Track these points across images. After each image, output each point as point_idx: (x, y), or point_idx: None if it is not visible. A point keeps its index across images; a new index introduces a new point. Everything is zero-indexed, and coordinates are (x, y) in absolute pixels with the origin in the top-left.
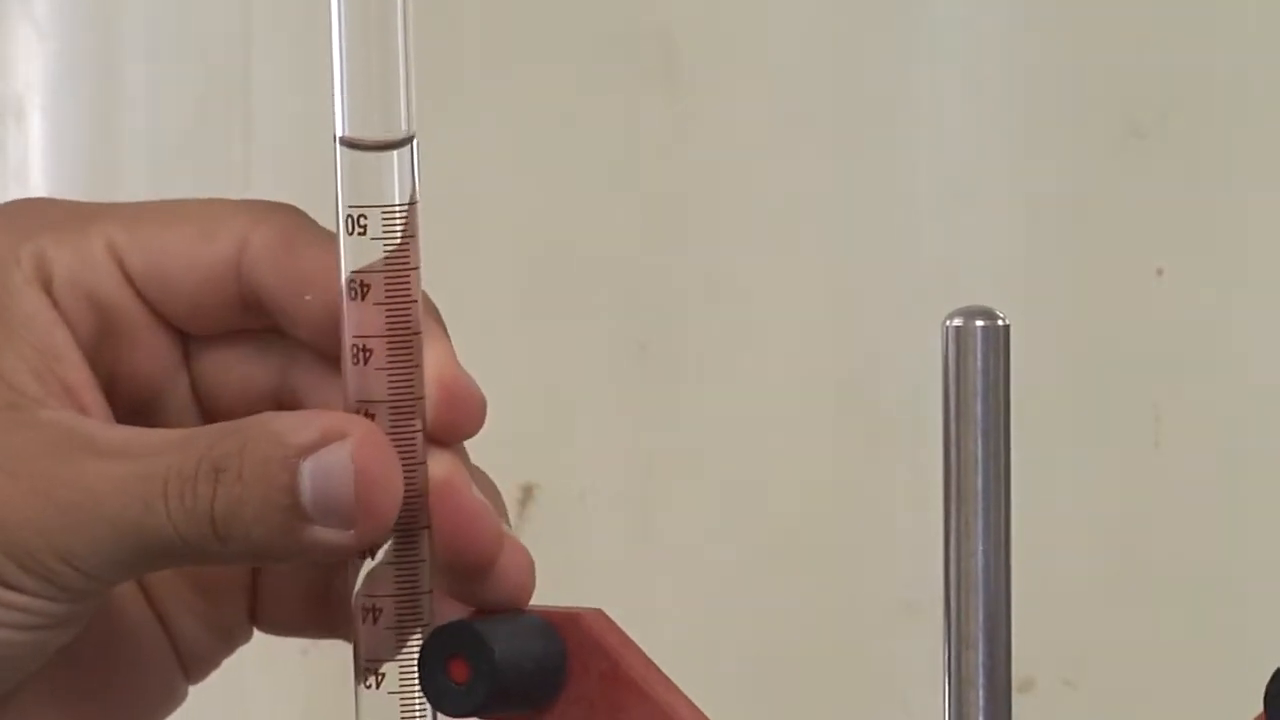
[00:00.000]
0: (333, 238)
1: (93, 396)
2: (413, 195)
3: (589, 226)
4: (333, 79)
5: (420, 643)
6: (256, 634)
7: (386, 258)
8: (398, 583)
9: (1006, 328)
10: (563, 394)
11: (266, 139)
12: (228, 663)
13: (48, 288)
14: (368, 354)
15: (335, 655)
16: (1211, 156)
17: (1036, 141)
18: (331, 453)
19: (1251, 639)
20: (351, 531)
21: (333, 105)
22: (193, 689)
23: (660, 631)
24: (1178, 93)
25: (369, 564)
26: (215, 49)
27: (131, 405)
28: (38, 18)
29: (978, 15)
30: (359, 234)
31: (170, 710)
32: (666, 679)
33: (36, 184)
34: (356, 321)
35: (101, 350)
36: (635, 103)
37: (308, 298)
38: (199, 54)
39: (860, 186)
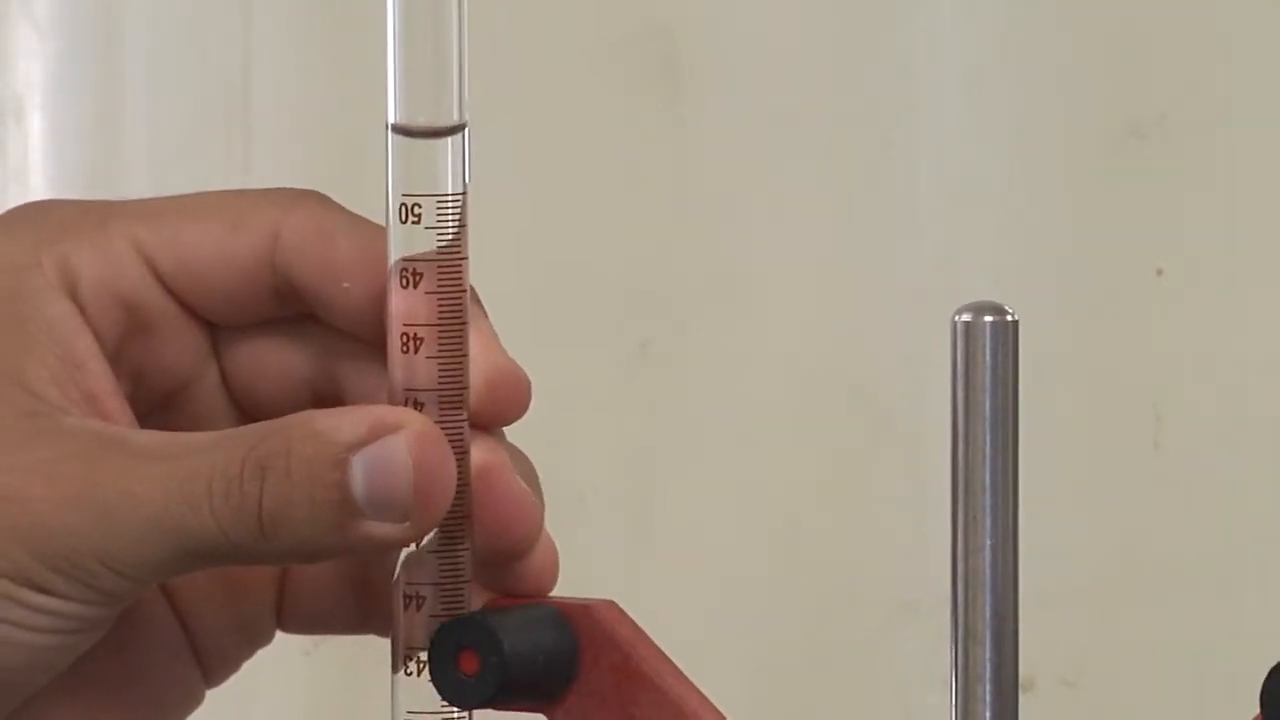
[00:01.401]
0: (363, 223)
1: (116, 404)
2: (464, 184)
3: (589, 226)
4: (387, 64)
5: None
6: None
7: (440, 247)
8: (441, 570)
9: (1015, 323)
10: (563, 394)
11: (266, 139)
12: None
13: (73, 293)
14: (418, 343)
15: (338, 655)
16: (1211, 156)
17: (1036, 141)
18: (386, 446)
19: (1251, 639)
20: (406, 524)
21: (385, 91)
22: None
23: (660, 632)
24: (1178, 93)
25: (409, 551)
26: (215, 49)
27: (159, 399)
28: (38, 18)
29: (977, 16)
30: (413, 222)
31: (186, 713)
32: (678, 671)
33: (36, 184)
34: (407, 310)
35: (129, 348)
36: (636, 102)
37: (346, 285)
38: (199, 54)
39: (860, 186)
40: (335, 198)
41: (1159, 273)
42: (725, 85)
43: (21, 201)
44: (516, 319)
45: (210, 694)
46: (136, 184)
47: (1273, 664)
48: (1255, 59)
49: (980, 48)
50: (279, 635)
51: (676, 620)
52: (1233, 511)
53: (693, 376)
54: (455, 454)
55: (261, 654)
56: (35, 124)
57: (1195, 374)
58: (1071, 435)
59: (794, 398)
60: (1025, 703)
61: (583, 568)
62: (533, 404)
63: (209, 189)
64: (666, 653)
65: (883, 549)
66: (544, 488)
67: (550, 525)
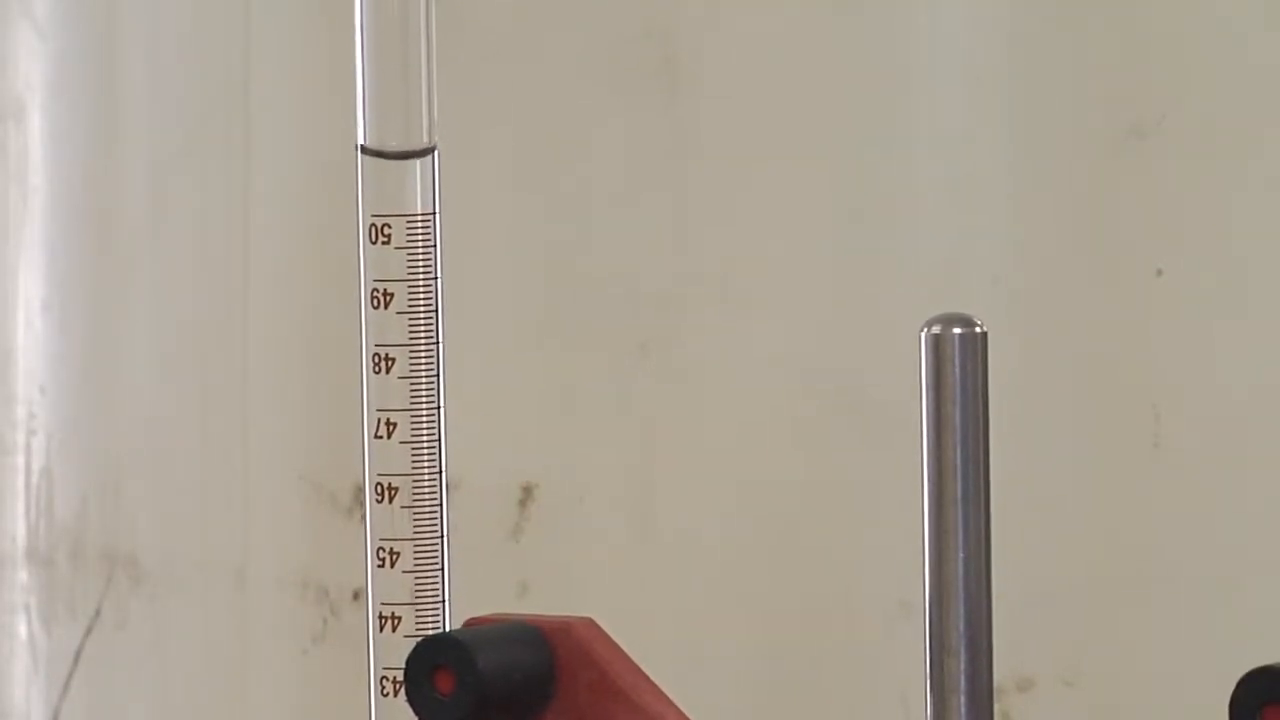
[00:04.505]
0: None
1: None
2: (435, 204)
3: (589, 227)
4: (356, 87)
5: None
6: (255, 633)
7: (410, 267)
8: (417, 590)
9: (984, 335)
10: (563, 394)
11: (266, 139)
12: (227, 661)
13: None
14: (390, 363)
15: (335, 655)
16: (1211, 156)
17: (1036, 141)
18: None
19: (1251, 639)
20: None
21: (355, 114)
22: (192, 688)
23: (659, 632)
24: (1178, 93)
25: (386, 571)
26: (215, 49)
27: None
28: (38, 18)
29: (978, 15)
30: (383, 243)
31: None
32: (656, 688)
33: (36, 184)
34: (378, 330)
35: None
36: (635, 103)
37: None
38: (199, 54)
39: (860, 187)
40: (334, 198)
41: (1159, 273)
42: (724, 86)
43: (21, 201)
44: (517, 320)
45: (208, 692)
46: (136, 184)
47: (1268, 665)
48: (1254, 60)
49: (981, 47)
50: (278, 635)
51: (674, 620)
52: (1233, 511)
53: (692, 376)
54: (429, 469)
55: (260, 653)
56: (35, 124)
57: (1195, 374)
58: (1071, 435)
59: (793, 398)
60: (1026, 703)
61: (582, 568)
62: (533, 404)
63: (209, 189)
64: (663, 654)
65: (881, 549)
66: (544, 488)
67: (550, 525)
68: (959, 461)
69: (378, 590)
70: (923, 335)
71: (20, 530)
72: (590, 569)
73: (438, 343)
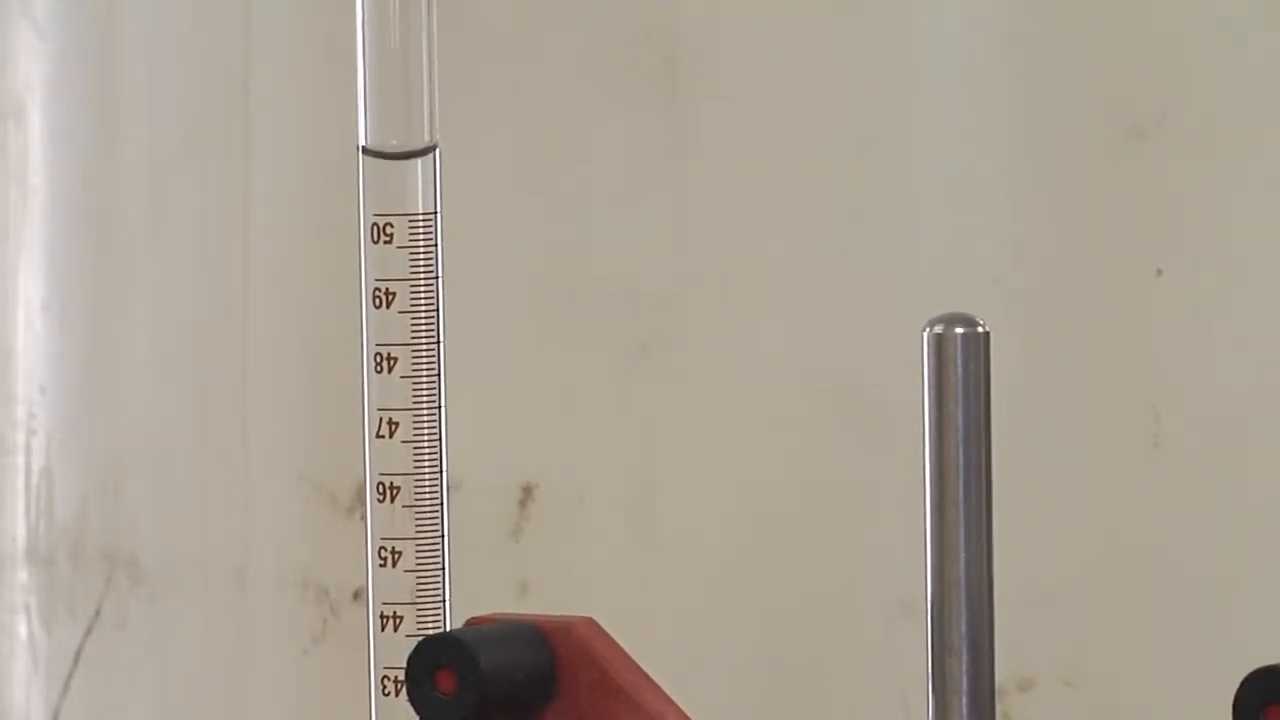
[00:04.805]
0: None
1: None
2: (436, 203)
3: (589, 227)
4: (356, 87)
5: None
6: (255, 633)
7: (412, 266)
8: (418, 589)
9: (986, 334)
10: (563, 394)
11: (266, 139)
12: (227, 661)
13: None
14: (392, 362)
15: (335, 655)
16: (1211, 156)
17: (1036, 141)
18: None
19: (1251, 639)
20: None
21: (356, 114)
22: (192, 688)
23: (659, 632)
24: (1178, 93)
25: (388, 570)
26: (215, 49)
27: None
28: (38, 18)
29: (978, 15)
30: (384, 242)
31: None
32: (656, 687)
33: (36, 184)
34: (380, 330)
35: None
36: (635, 103)
37: None
38: (199, 54)
39: (860, 187)
40: (334, 198)
41: (1159, 273)
42: (724, 86)
43: (21, 201)
44: (517, 320)
45: (208, 692)
46: (136, 184)
47: (1271, 665)
48: (1254, 60)
49: (981, 48)
50: (278, 635)
51: (674, 620)
52: (1232, 511)
53: (692, 376)
54: (431, 470)
55: (260, 653)
56: (35, 124)
57: (1195, 374)
58: (1071, 434)
59: (793, 398)
60: (1026, 703)
61: (582, 568)
62: (533, 404)
63: (209, 189)
64: (663, 654)
65: (881, 549)
66: (544, 488)
67: (550, 525)
68: (961, 461)
69: (379, 590)
70: (925, 335)
71: (20, 530)
72: (590, 569)
73: (439, 342)
